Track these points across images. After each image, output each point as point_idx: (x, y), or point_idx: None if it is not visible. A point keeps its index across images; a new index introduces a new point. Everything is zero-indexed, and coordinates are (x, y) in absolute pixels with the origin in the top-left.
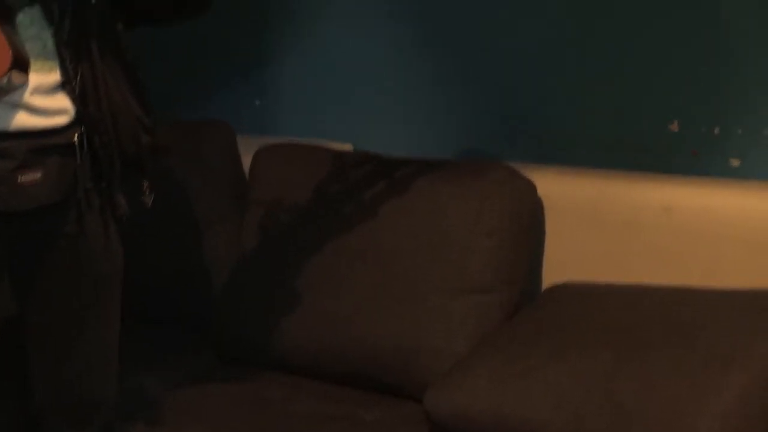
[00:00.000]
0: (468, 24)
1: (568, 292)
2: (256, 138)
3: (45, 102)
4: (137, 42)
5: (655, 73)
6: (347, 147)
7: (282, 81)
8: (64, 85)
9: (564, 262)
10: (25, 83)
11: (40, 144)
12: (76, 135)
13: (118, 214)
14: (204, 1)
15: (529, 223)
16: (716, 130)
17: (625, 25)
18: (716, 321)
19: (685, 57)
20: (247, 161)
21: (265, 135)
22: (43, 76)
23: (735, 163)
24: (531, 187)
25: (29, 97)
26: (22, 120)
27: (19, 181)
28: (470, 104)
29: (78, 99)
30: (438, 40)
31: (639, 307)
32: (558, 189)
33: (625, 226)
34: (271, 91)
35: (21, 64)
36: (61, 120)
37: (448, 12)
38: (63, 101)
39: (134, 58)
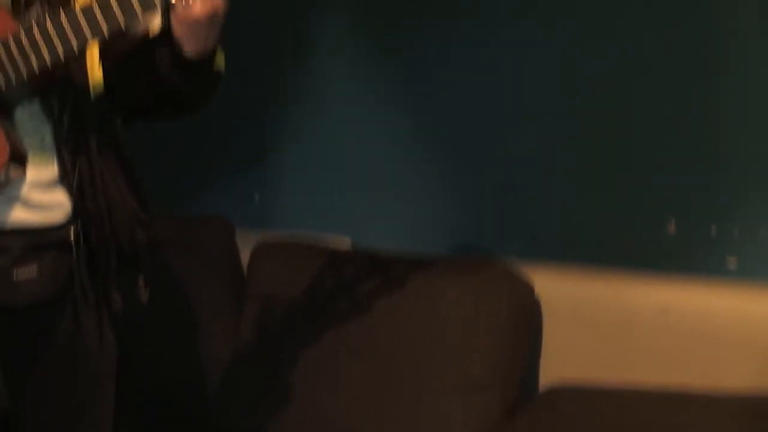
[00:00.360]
0: (465, 121)
1: (566, 393)
2: (255, 232)
3: (42, 197)
4: (136, 136)
5: (651, 174)
6: (346, 240)
7: (280, 175)
8: (62, 180)
9: (561, 361)
10: (22, 178)
11: (36, 240)
12: (73, 232)
13: (114, 310)
14: (203, 99)
15: (525, 321)
16: (713, 231)
17: (623, 127)
18: (713, 426)
19: (681, 159)
20: (245, 255)
21: (263, 228)
22: (41, 170)
23: (732, 263)
24: (527, 286)
25: (27, 192)
26: (20, 216)
27: (14, 278)
28: (468, 200)
29: (75, 194)
30: (436, 136)
31: (636, 410)
32: (554, 287)
33: (621, 326)
34: (269, 185)
35: (18, 158)
36: (57, 215)
37: (446, 109)
38: (60, 196)
39: (132, 153)
